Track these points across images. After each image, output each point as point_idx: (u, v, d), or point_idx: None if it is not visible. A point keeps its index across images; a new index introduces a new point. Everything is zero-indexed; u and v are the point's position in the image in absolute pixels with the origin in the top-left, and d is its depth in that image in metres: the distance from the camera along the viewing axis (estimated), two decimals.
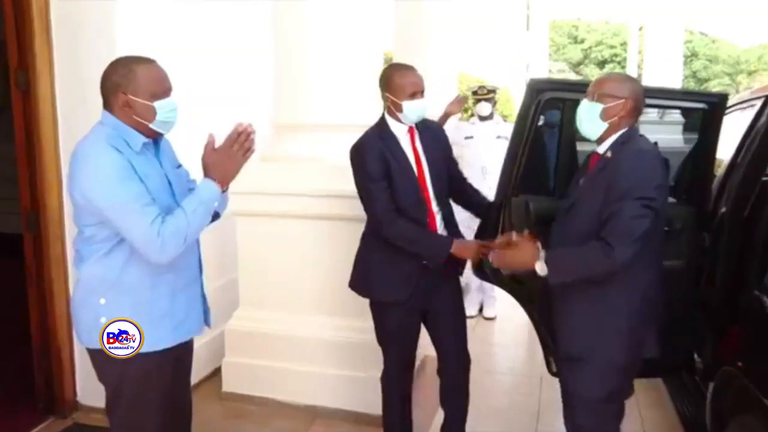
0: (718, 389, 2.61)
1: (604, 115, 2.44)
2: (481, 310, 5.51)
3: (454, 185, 3.08)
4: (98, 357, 2.30)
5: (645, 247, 2.31)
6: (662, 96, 3.14)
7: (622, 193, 2.27)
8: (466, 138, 5.21)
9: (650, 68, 19.59)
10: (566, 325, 2.54)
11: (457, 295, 3.09)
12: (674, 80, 17.92)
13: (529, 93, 2.88)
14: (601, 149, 2.49)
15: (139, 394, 2.31)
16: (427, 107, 2.91)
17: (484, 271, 3.06)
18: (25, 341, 3.60)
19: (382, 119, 2.95)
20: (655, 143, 4.31)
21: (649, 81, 19.06)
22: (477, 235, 3.15)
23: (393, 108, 2.88)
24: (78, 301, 2.32)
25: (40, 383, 3.57)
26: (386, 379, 3.12)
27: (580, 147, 3.11)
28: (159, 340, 2.29)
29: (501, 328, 5.35)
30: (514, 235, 2.45)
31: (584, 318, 2.44)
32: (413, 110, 2.85)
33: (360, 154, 2.90)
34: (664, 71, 17.93)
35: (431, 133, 3.02)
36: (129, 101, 2.19)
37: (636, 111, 2.48)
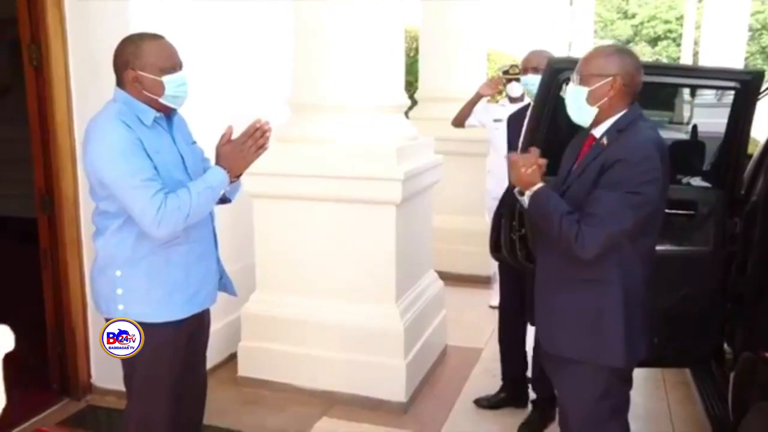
0: (739, 376, 2.67)
1: (591, 99, 2.32)
2: None
3: None
4: None
5: (642, 243, 2.33)
6: (683, 74, 3.16)
7: (609, 183, 2.23)
8: (495, 120, 5.14)
9: (708, 44, 19.22)
10: (557, 323, 2.48)
11: None
12: (736, 58, 17.53)
13: (548, 72, 2.91)
14: (597, 132, 2.38)
15: (152, 365, 2.49)
16: (527, 84, 3.66)
17: (500, 253, 3.16)
18: (38, 323, 3.78)
19: None
20: (695, 126, 4.35)
21: (706, 59, 18.76)
22: (494, 218, 3.25)
23: None
24: (95, 274, 2.51)
25: (54, 365, 3.77)
26: None
27: None
28: (173, 312, 2.47)
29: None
30: (539, 159, 2.41)
31: (579, 317, 2.40)
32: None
33: None
34: (724, 47, 17.54)
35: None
36: (138, 77, 2.36)
37: (629, 89, 2.31)
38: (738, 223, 3.12)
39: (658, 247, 3.04)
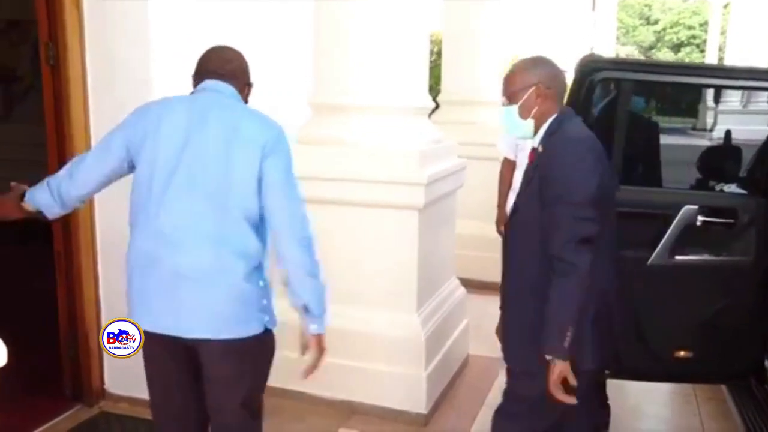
0: None
1: (523, 113, 2.37)
2: None
3: None
4: None
5: (601, 240, 2.27)
6: (718, 75, 3.03)
7: (555, 198, 2.22)
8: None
9: (734, 51, 19.09)
10: (516, 337, 2.52)
11: None
12: (762, 64, 17.36)
13: (580, 71, 2.82)
14: (534, 143, 2.41)
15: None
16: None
17: None
18: (52, 327, 3.69)
19: None
20: (728, 131, 4.21)
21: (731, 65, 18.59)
22: None
23: None
24: (244, 284, 2.40)
25: (67, 370, 3.68)
26: None
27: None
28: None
29: None
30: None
31: (528, 329, 2.35)
32: None
33: None
34: (750, 53, 17.37)
35: None
36: None
37: (552, 91, 2.35)
38: None
39: (694, 257, 2.92)
